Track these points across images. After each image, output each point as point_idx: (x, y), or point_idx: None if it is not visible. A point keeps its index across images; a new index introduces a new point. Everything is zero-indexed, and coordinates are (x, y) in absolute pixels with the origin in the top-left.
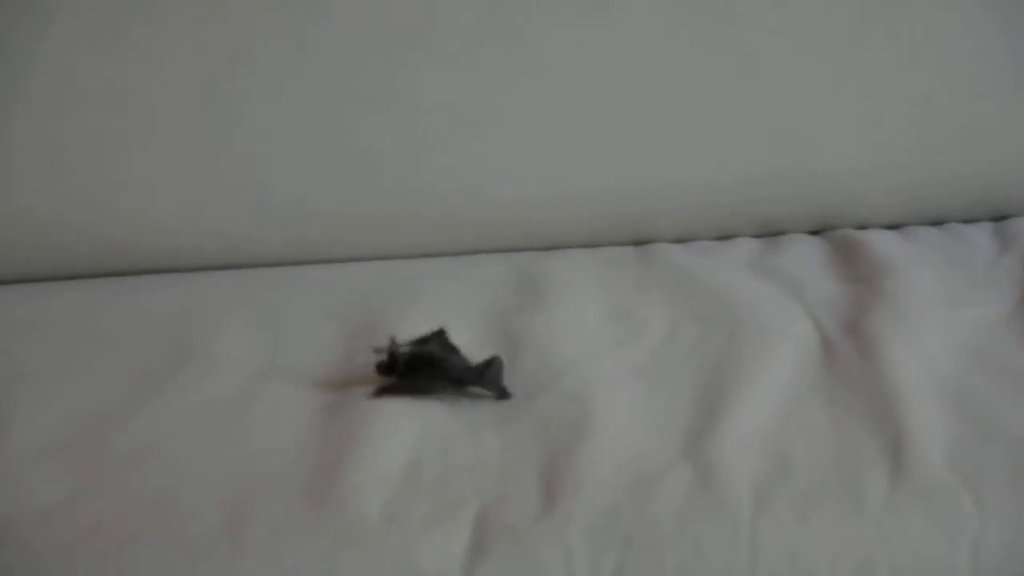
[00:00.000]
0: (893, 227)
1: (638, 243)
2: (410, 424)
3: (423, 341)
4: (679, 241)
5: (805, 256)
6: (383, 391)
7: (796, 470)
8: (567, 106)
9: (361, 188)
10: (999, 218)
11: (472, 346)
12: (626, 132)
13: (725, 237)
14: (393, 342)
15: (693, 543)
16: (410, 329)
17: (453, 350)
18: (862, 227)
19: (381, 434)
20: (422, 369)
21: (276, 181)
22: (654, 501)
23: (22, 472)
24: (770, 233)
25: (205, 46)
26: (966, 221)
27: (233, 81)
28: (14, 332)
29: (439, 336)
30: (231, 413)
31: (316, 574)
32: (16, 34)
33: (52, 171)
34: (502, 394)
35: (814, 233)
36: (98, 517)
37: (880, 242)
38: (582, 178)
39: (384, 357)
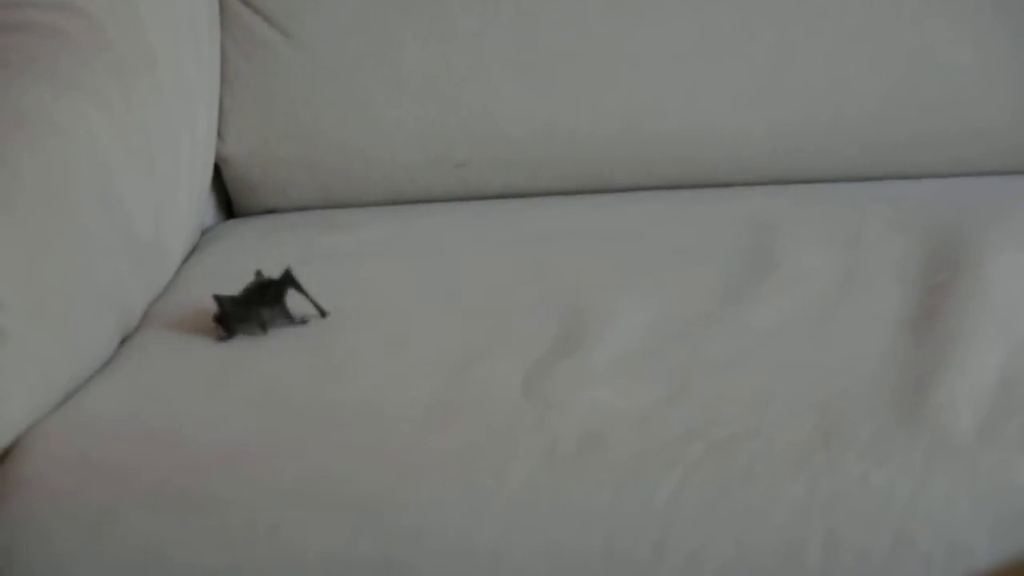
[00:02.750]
0: None
1: None
2: (1000, 341)
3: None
4: None
5: None
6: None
7: None
8: None
9: (941, 104)
10: None
11: None
12: None
13: None
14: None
15: None
16: (995, 246)
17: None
18: None
19: (970, 349)
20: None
21: (854, 95)
22: None
23: (614, 376)
24: None
25: None
26: None
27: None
28: (605, 240)
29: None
30: (816, 325)
31: (909, 488)
32: None
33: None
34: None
35: None
36: (693, 423)
37: None
38: None
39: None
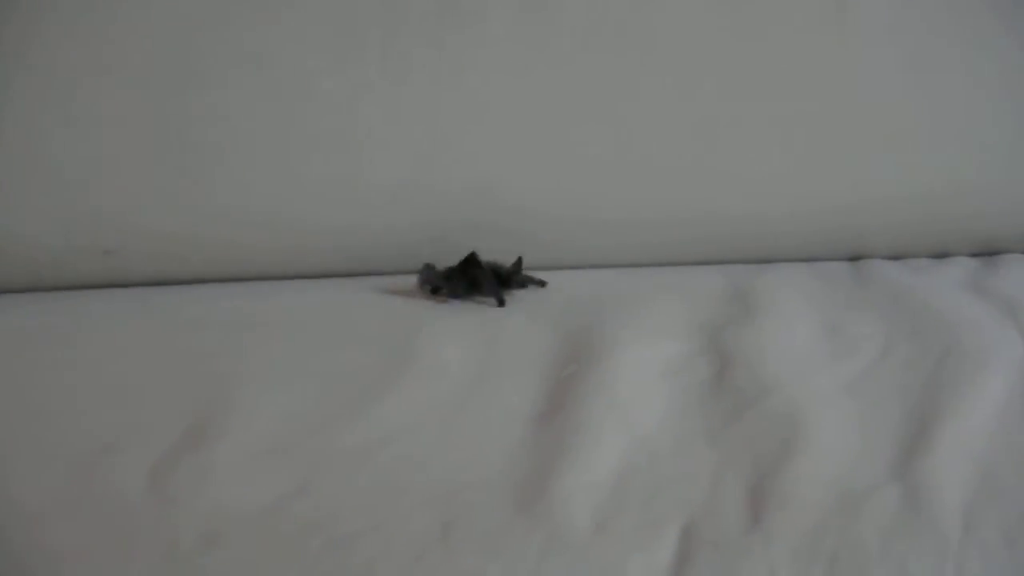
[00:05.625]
0: None
1: (852, 259)
2: (620, 435)
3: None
4: (894, 258)
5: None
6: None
7: (1006, 493)
8: (787, 121)
9: (581, 196)
10: None
11: (686, 358)
12: (843, 146)
13: (940, 255)
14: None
15: (899, 565)
16: (625, 341)
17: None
18: None
19: (591, 443)
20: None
21: (498, 186)
22: (860, 521)
23: (240, 470)
24: (988, 252)
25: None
26: None
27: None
28: (253, 330)
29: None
30: (448, 418)
31: None
32: None
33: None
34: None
35: None
36: (315, 518)
37: None
38: (799, 192)
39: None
